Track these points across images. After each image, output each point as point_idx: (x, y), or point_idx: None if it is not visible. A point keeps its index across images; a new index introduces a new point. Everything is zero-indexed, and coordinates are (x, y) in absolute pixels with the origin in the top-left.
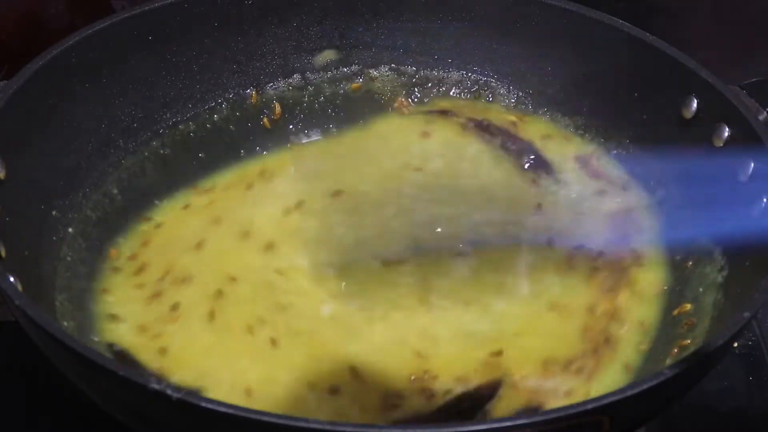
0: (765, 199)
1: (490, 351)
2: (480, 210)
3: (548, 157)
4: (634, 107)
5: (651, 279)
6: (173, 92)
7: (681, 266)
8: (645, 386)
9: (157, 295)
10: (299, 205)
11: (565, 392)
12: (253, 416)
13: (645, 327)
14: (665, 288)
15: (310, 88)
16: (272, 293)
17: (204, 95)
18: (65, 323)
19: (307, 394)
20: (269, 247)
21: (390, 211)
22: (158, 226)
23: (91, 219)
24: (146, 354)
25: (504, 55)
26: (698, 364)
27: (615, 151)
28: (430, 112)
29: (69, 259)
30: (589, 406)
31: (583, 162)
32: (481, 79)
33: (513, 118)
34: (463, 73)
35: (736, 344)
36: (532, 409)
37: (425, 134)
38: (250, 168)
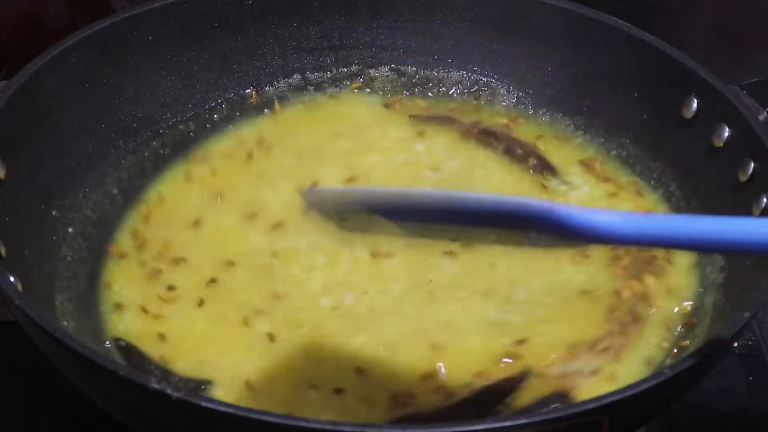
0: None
1: (515, 339)
2: None
3: (551, 160)
4: (634, 107)
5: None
6: (173, 92)
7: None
8: (645, 386)
9: (156, 273)
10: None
11: (591, 371)
12: (253, 416)
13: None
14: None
15: (310, 88)
16: (271, 279)
17: (204, 95)
18: (65, 323)
19: (308, 391)
20: (277, 226)
21: None
22: (161, 199)
23: (91, 219)
24: (148, 342)
25: (504, 55)
26: (698, 365)
27: (615, 152)
28: (432, 118)
29: (69, 259)
30: (589, 406)
31: (587, 166)
32: (481, 79)
33: (509, 120)
34: (463, 73)
35: (736, 344)
36: (559, 395)
37: (422, 135)
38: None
